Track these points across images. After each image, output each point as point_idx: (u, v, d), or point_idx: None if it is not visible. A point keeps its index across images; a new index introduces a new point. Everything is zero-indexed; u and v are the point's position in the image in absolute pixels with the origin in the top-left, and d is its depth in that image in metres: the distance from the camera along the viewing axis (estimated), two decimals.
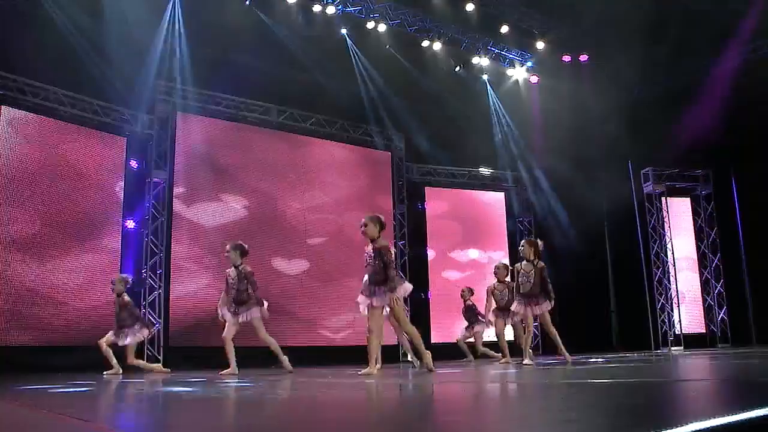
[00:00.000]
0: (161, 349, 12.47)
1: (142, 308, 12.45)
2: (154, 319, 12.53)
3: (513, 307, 8.59)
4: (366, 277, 6.94)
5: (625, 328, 16.40)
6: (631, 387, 3.56)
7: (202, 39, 13.39)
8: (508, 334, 10.85)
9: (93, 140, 12.35)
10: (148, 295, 12.55)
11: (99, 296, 11.85)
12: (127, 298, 9.69)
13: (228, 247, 8.44)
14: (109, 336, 9.41)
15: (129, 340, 9.40)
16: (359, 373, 6.64)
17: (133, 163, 12.93)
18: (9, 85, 11.35)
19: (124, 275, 10.20)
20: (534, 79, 17.67)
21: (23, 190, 11.19)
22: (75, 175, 11.94)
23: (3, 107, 11.17)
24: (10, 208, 10.99)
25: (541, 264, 8.64)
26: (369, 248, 6.89)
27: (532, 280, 8.26)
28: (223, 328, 8.41)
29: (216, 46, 13.51)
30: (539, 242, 8.63)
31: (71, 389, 4.79)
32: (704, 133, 13.99)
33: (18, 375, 9.31)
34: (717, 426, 1.75)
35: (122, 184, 12.65)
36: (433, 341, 15.84)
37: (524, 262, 8.37)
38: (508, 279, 10.00)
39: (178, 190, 13.18)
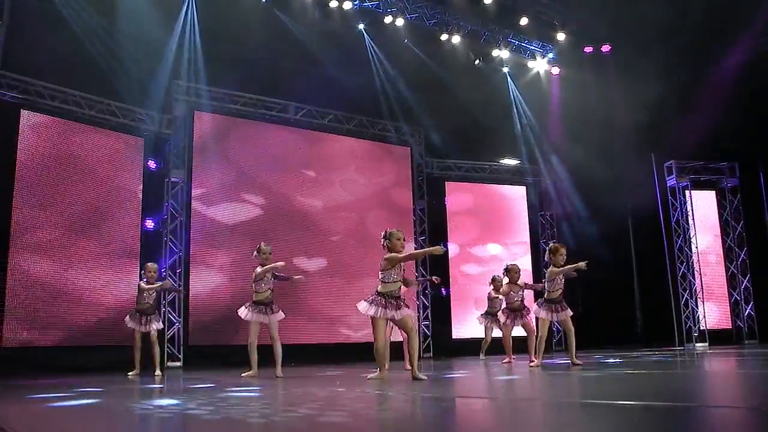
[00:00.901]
0: (181, 347, 12.58)
1: (162, 307, 12.58)
2: (174, 318, 12.64)
3: (540, 314, 8.32)
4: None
5: (651, 323, 16.15)
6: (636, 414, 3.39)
7: (218, 37, 13.40)
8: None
9: (111, 141, 12.45)
10: (168, 295, 12.62)
11: (120, 296, 11.99)
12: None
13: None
14: (142, 327, 9.35)
15: (155, 326, 9.41)
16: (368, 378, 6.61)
17: (151, 164, 13.01)
18: (29, 89, 11.47)
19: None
20: (555, 70, 17.39)
21: (44, 194, 11.32)
22: (94, 177, 12.06)
23: (23, 111, 11.29)
24: (33, 210, 11.12)
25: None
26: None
27: (560, 287, 8.24)
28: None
29: (232, 44, 13.51)
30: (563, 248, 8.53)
31: (69, 402, 4.80)
32: (728, 125, 13.69)
33: (42, 375, 9.46)
34: None
35: (141, 184, 12.74)
36: (454, 337, 15.80)
37: (552, 268, 8.25)
38: (520, 281, 9.81)
39: (196, 189, 13.25)
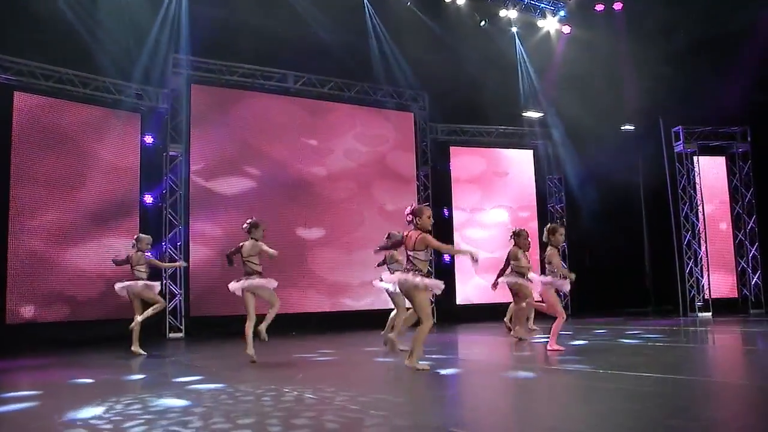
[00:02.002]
0: (182, 318, 12.95)
1: (163, 279, 12.91)
2: (175, 290, 12.97)
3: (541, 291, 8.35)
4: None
5: (660, 290, 16.01)
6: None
7: (212, 6, 13.24)
8: None
9: (107, 118, 12.60)
10: (167, 271, 12.91)
11: (122, 270, 12.27)
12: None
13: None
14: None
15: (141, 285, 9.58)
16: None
17: (148, 139, 13.14)
18: (22, 70, 11.62)
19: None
20: (566, 29, 16.83)
21: (42, 174, 11.57)
22: (91, 155, 12.27)
23: (16, 93, 11.47)
24: (31, 191, 11.41)
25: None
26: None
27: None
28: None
29: (228, 14, 13.34)
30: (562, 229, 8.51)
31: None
32: (744, 88, 13.17)
33: (52, 350, 9.97)
34: None
35: (139, 160, 12.93)
36: (459, 302, 15.89)
37: (549, 248, 8.21)
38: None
39: (195, 162, 13.38)
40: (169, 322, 12.81)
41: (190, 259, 13.07)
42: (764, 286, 14.11)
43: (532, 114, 16.90)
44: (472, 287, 15.89)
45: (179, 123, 13.28)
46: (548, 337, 7.99)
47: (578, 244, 16.83)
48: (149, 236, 10.01)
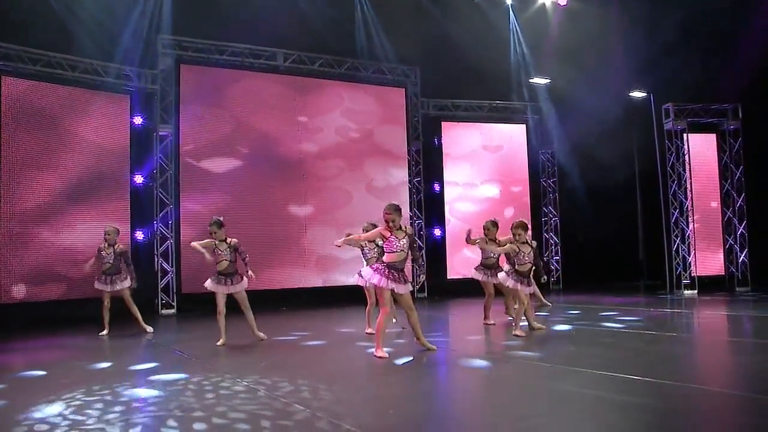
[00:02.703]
0: (174, 295, 13.32)
1: (156, 257, 13.27)
2: (167, 267, 13.31)
3: (509, 284, 8.65)
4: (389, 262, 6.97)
5: (652, 267, 16.13)
6: None
7: None
8: None
9: (96, 100, 12.77)
10: (161, 246, 13.27)
11: None
12: (123, 246, 10.27)
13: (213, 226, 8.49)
14: (104, 287, 9.87)
15: (119, 287, 9.90)
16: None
17: (138, 119, 13.32)
18: (9, 54, 11.79)
19: (116, 225, 10.49)
20: (563, 1, 16.58)
21: (32, 158, 11.82)
22: (81, 137, 12.48)
23: (3, 78, 11.65)
24: (22, 175, 11.69)
25: (535, 243, 9.12)
26: (402, 236, 6.99)
27: (531, 260, 8.51)
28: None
29: None
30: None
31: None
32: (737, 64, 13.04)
33: (47, 328, 10.45)
34: None
35: (128, 140, 13.14)
36: (449, 277, 16.11)
37: (523, 245, 8.46)
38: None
39: (185, 142, 13.56)
40: (162, 299, 13.20)
41: (181, 237, 13.38)
42: (751, 264, 14.17)
43: (539, 80, 16.69)
44: (462, 261, 16.09)
45: (168, 103, 13.44)
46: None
47: (570, 219, 16.93)
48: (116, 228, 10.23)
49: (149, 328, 10.02)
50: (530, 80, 16.79)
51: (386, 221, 7.01)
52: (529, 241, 8.64)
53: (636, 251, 17.13)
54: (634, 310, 10.77)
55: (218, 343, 8.26)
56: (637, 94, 15.57)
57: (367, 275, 7.14)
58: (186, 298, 13.40)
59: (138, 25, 12.95)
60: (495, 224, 9.43)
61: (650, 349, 6.89)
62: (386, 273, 6.90)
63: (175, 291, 13.35)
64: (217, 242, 8.46)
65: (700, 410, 4.52)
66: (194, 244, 8.51)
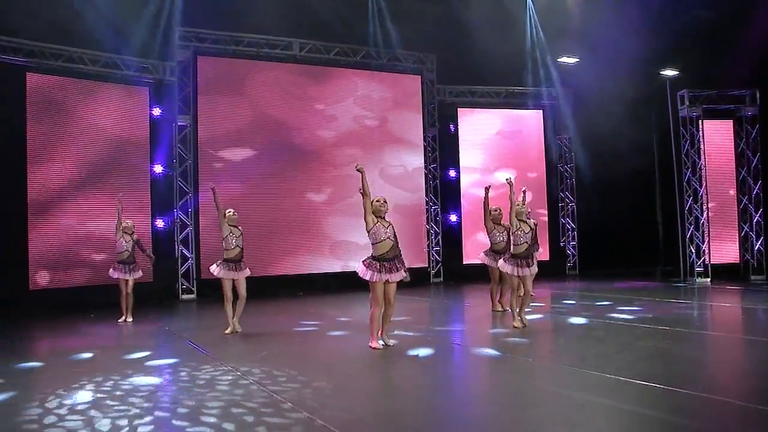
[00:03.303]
0: (194, 281, 13.81)
1: (176, 244, 13.76)
2: (187, 253, 13.80)
3: (506, 270, 8.50)
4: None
5: (670, 251, 16.09)
6: None
7: None
8: None
9: (116, 93, 13.23)
10: (181, 233, 13.74)
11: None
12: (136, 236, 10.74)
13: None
14: (122, 275, 10.32)
15: (134, 276, 10.39)
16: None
17: (156, 111, 13.73)
18: (33, 51, 12.27)
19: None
20: None
21: (55, 150, 12.36)
22: (102, 129, 12.96)
23: (28, 74, 12.15)
24: (46, 167, 12.24)
25: (534, 223, 9.11)
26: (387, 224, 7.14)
27: (529, 240, 8.36)
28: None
29: None
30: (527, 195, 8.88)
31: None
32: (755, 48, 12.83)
33: (69, 316, 11.00)
34: None
35: (148, 131, 13.57)
36: (465, 262, 16.30)
37: (522, 223, 8.31)
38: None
39: (203, 131, 13.94)
40: (182, 285, 13.71)
41: (200, 225, 13.85)
42: (766, 252, 14.03)
43: (568, 59, 16.55)
44: (477, 246, 16.22)
45: (186, 94, 13.82)
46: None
47: (588, 204, 16.93)
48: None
49: (130, 319, 10.26)
50: (558, 59, 16.66)
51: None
52: (527, 221, 8.44)
53: (654, 237, 17.06)
54: (637, 299, 10.83)
55: (226, 332, 8.61)
56: (668, 73, 15.32)
57: (360, 272, 7.15)
58: (205, 283, 13.85)
59: (155, 18, 13.27)
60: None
61: (641, 345, 6.93)
62: (377, 266, 7.00)
63: (194, 277, 13.84)
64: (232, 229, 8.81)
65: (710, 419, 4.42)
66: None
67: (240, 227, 9.00)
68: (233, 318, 8.76)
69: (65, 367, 6.74)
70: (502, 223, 9.86)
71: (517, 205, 8.52)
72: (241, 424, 4.49)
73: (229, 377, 5.92)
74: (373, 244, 7.11)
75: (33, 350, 8.64)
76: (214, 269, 8.90)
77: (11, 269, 11.80)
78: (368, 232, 7.11)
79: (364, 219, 7.11)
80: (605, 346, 7.03)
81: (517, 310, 8.40)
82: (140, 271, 10.55)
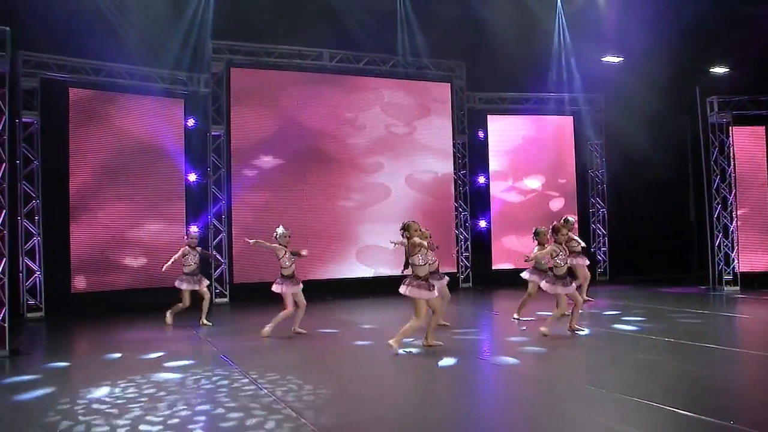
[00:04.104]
0: (227, 285, 14.35)
1: (210, 249, 14.30)
2: (221, 259, 14.33)
3: (548, 290, 8.81)
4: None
5: (702, 260, 15.91)
6: None
7: None
8: None
9: (153, 105, 13.85)
10: (214, 239, 14.30)
11: (170, 242, 13.70)
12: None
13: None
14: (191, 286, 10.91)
15: (203, 285, 11.06)
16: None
17: (191, 121, 14.31)
18: (75, 67, 12.98)
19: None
20: None
21: (96, 160, 13.06)
22: (139, 140, 13.59)
23: (70, 89, 12.87)
24: (87, 176, 12.95)
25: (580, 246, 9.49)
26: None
27: (565, 264, 8.74)
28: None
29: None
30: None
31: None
32: None
33: (111, 318, 11.68)
34: None
35: (183, 141, 14.17)
36: (494, 267, 16.45)
37: (559, 246, 8.70)
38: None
39: (236, 140, 14.46)
40: (216, 289, 14.25)
41: (233, 231, 14.37)
42: None
43: (612, 59, 16.53)
44: (506, 253, 16.40)
45: (220, 105, 14.36)
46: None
47: (618, 210, 16.86)
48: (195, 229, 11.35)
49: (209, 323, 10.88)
50: (602, 59, 16.56)
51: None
52: (564, 243, 8.80)
53: (686, 243, 16.88)
54: (656, 310, 10.84)
55: (264, 332, 9.21)
56: (718, 70, 15.09)
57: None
58: (237, 287, 14.40)
59: (188, 32, 13.84)
60: (565, 222, 9.39)
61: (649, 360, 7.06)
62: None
63: (227, 281, 14.37)
64: (285, 250, 9.42)
65: None
66: (262, 242, 9.50)
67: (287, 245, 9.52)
68: (295, 325, 9.43)
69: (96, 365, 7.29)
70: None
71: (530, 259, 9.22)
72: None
73: (235, 383, 6.35)
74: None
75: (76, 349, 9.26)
76: (278, 288, 9.38)
77: (56, 273, 12.55)
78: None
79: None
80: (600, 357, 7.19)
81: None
82: (206, 280, 11.26)
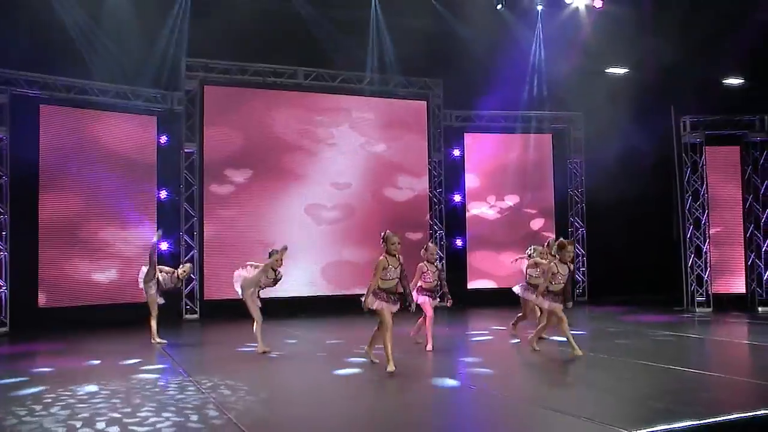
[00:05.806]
0: (198, 302, 14.36)
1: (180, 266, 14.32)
2: (192, 275, 14.32)
3: (546, 305, 8.71)
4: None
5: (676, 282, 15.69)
6: None
7: (219, 12, 14.00)
8: None
9: (125, 123, 13.97)
10: (186, 255, 14.33)
11: (141, 258, 13.77)
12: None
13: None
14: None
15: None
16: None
17: (163, 139, 14.39)
18: (47, 83, 13.11)
19: None
20: (598, 3, 16.16)
21: (66, 178, 13.16)
22: (112, 157, 13.69)
23: (41, 106, 13.00)
24: (57, 194, 13.05)
25: (572, 267, 9.20)
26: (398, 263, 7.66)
27: (564, 281, 8.64)
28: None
29: (232, 17, 14.07)
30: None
31: None
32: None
33: (86, 333, 11.68)
34: None
35: (155, 159, 14.25)
36: (469, 287, 16.33)
37: (561, 264, 8.61)
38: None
39: (208, 158, 14.53)
40: (186, 305, 14.28)
41: (205, 248, 14.41)
42: None
43: (617, 70, 16.46)
44: (481, 272, 16.30)
45: (193, 122, 14.43)
46: None
47: (598, 229, 16.69)
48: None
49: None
50: (606, 70, 16.43)
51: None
52: (567, 263, 8.69)
53: (663, 264, 16.62)
54: (616, 331, 10.68)
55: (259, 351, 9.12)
56: (732, 81, 14.83)
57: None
58: (208, 304, 14.41)
59: (164, 50, 13.93)
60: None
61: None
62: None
63: (198, 297, 14.38)
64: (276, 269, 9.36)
65: None
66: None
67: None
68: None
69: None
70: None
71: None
72: None
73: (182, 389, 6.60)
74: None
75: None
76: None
77: (21, 288, 12.62)
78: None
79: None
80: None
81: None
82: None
